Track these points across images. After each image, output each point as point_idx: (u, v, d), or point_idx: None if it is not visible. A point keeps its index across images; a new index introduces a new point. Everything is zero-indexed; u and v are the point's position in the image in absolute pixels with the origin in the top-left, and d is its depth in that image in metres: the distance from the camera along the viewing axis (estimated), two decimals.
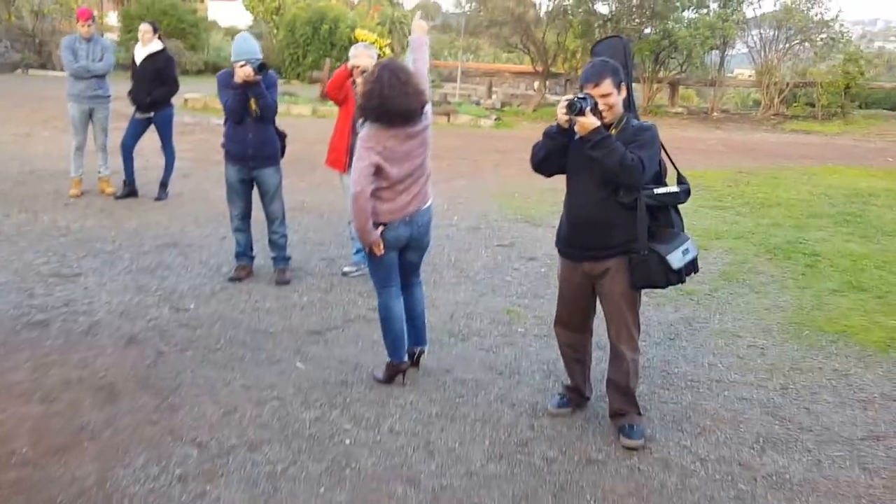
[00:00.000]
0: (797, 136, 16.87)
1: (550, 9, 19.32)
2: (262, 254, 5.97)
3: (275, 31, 28.92)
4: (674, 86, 20.54)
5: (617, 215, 3.36)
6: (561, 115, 3.30)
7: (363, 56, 5.23)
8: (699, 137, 15.97)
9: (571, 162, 3.46)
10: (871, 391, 4.22)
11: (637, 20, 18.60)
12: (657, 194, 3.38)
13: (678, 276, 3.39)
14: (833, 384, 4.30)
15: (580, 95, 3.29)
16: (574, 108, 3.23)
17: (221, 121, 5.62)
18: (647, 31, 18.96)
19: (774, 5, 19.48)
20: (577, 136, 3.34)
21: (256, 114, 5.32)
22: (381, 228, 3.74)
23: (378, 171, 3.65)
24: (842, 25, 19.15)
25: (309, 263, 6.20)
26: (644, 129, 3.38)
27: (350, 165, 4.30)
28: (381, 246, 3.76)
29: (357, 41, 26.45)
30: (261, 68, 5.16)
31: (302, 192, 8.61)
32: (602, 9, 19.45)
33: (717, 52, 19.46)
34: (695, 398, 4.05)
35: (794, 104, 19.62)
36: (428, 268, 5.51)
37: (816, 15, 18.90)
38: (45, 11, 24.56)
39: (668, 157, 3.61)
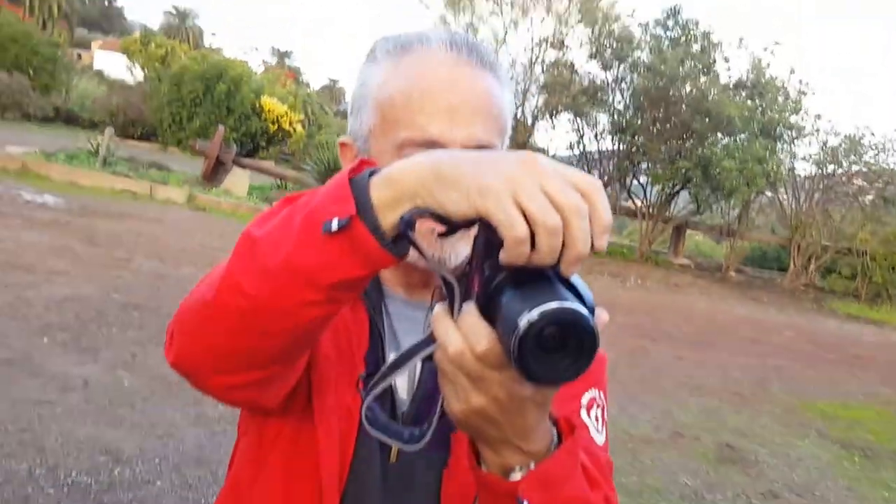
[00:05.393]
0: (871, 329, 12.09)
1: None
2: None
3: (157, 83, 22.59)
4: (680, 230, 15.63)
5: None
6: None
7: None
8: (754, 318, 10.90)
9: None
10: None
11: (661, 136, 13.65)
12: None
13: None
14: None
15: None
16: None
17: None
18: (662, 149, 14.13)
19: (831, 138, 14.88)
20: None
21: None
22: None
23: None
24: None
25: None
26: None
27: None
28: None
29: (263, 111, 20.30)
30: None
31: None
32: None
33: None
34: None
35: (834, 275, 15.04)
36: None
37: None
38: None
39: None
